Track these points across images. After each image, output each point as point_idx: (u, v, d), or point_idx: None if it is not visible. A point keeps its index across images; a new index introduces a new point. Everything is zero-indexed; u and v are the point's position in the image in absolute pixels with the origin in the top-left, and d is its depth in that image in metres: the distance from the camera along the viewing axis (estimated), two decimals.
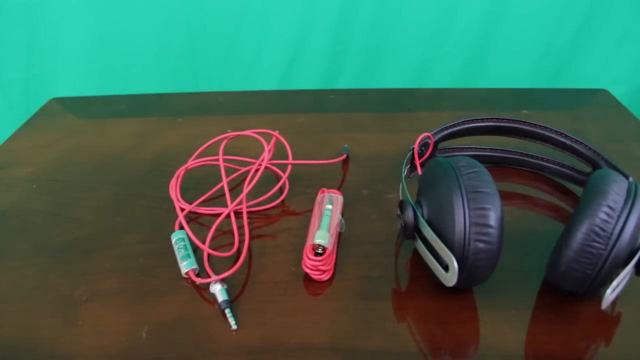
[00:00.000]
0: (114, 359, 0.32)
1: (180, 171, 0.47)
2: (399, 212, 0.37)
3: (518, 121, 0.47)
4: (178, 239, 0.40)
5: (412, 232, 0.35)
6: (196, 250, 0.40)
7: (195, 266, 0.38)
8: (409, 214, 0.35)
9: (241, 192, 0.43)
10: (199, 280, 0.37)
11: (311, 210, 0.44)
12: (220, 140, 0.49)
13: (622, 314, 0.34)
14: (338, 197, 0.44)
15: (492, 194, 0.32)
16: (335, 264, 0.39)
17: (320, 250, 0.38)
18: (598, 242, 0.31)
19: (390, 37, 1.07)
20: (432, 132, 0.46)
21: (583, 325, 0.33)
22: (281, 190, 0.47)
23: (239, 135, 0.50)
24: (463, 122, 0.48)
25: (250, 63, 1.11)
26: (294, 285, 0.37)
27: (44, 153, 0.55)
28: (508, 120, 0.48)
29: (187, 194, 0.46)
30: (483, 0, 1.02)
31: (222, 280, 0.36)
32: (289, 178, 0.48)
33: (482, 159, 0.39)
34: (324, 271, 0.37)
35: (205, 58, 1.10)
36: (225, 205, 0.43)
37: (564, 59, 1.05)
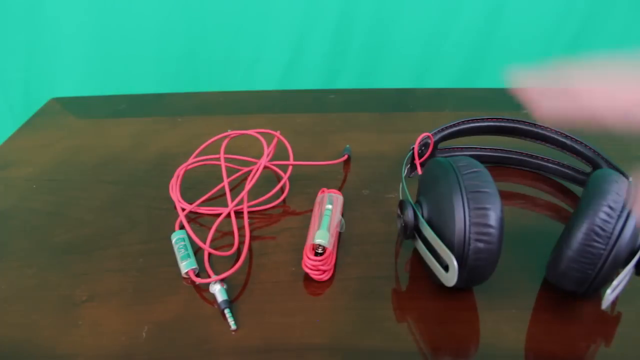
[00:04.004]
0: (114, 359, 0.32)
1: (181, 170, 0.47)
2: (399, 212, 0.37)
3: (518, 121, 0.47)
4: (178, 239, 0.40)
5: (412, 232, 0.35)
6: (197, 251, 0.40)
7: (195, 266, 0.38)
8: (409, 214, 0.35)
9: (241, 192, 0.43)
10: (198, 280, 0.37)
11: (311, 210, 0.44)
12: (221, 140, 0.49)
13: (622, 314, 0.34)
14: (338, 197, 0.44)
15: (492, 194, 0.32)
16: (335, 264, 0.39)
17: (320, 250, 0.38)
18: (598, 242, 0.31)
19: (390, 37, 1.07)
20: (432, 132, 0.46)
21: (583, 325, 0.33)
22: (282, 190, 0.47)
23: (240, 135, 0.50)
24: (463, 122, 0.48)
25: (250, 63, 1.11)
26: (294, 285, 0.37)
27: (44, 153, 0.55)
28: (508, 120, 0.48)
29: (187, 193, 0.46)
30: (483, 0, 1.02)
31: (222, 280, 0.36)
32: (289, 178, 0.48)
33: (482, 159, 0.39)
34: (324, 271, 0.37)
35: (205, 58, 1.10)
36: (226, 205, 0.43)
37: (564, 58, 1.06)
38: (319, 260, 0.37)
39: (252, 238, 0.42)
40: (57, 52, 1.09)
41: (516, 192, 0.47)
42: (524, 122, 0.47)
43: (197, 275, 0.38)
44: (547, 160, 0.48)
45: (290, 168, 0.48)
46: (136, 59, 1.10)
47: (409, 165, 0.44)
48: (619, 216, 0.31)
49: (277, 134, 0.49)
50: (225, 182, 0.45)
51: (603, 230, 0.31)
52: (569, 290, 0.34)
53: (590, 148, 0.44)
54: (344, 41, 1.08)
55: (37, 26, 1.06)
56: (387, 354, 0.32)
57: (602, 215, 0.31)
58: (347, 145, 0.53)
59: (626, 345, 0.32)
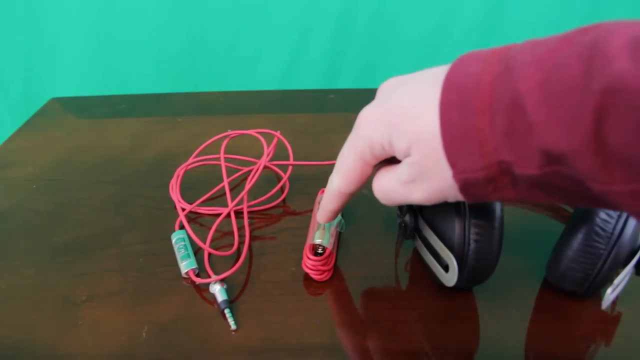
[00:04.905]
0: (114, 359, 0.32)
1: (181, 170, 0.47)
2: (398, 212, 0.37)
3: None
4: (178, 239, 0.40)
5: (412, 232, 0.35)
6: (197, 251, 0.40)
7: (195, 266, 0.38)
8: (409, 214, 0.35)
9: (241, 192, 0.43)
10: (198, 280, 0.37)
11: (311, 210, 0.44)
12: (221, 140, 0.49)
13: (622, 314, 0.34)
14: None
15: None
16: (335, 264, 0.39)
17: (320, 250, 0.38)
18: (598, 242, 0.31)
19: (390, 37, 1.07)
20: None
21: (583, 325, 0.33)
22: (282, 190, 0.47)
23: (240, 135, 0.50)
24: None
25: (250, 63, 1.11)
26: (294, 285, 0.37)
27: (44, 153, 0.55)
28: None
29: (187, 193, 0.46)
30: (483, 0, 1.02)
31: (222, 280, 0.36)
32: (289, 178, 0.48)
33: None
34: (324, 271, 0.37)
35: (205, 58, 1.11)
36: (226, 205, 0.43)
37: None
38: (319, 260, 0.37)
39: (252, 238, 0.42)
40: (57, 52, 1.09)
41: None
42: None
43: (197, 275, 0.38)
44: None
45: (290, 168, 0.48)
46: (136, 59, 1.10)
47: None
48: (619, 216, 0.31)
49: (277, 134, 0.49)
50: (225, 182, 0.45)
51: (603, 230, 0.31)
52: (569, 290, 0.34)
53: None
54: (344, 41, 1.08)
55: (37, 26, 1.06)
56: (387, 354, 0.32)
57: (602, 215, 0.31)
58: None
59: (626, 345, 0.32)
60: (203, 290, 0.37)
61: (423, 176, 0.26)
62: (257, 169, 0.45)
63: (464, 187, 0.25)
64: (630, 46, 0.19)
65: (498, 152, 0.23)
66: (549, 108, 0.21)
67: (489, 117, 0.23)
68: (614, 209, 0.24)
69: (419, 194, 0.27)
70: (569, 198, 0.24)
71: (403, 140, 0.26)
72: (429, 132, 0.24)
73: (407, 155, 0.26)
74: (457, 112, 0.24)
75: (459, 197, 0.26)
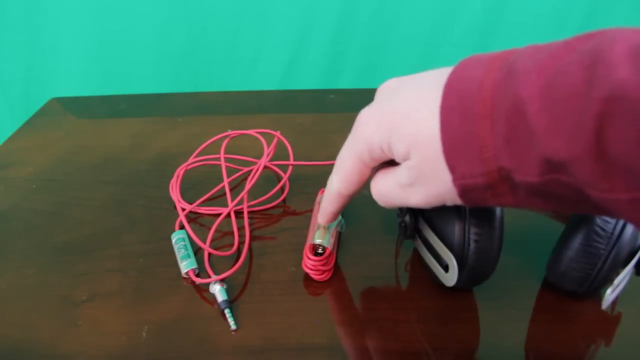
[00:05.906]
0: (114, 359, 0.32)
1: (181, 170, 0.47)
2: (398, 212, 0.37)
3: None
4: (178, 239, 0.40)
5: (412, 232, 0.35)
6: (197, 251, 0.40)
7: (195, 266, 0.38)
8: (409, 214, 0.35)
9: (241, 192, 0.43)
10: (198, 280, 0.37)
11: (311, 210, 0.44)
12: (221, 140, 0.49)
13: (622, 314, 0.34)
14: None
15: None
16: (335, 264, 0.39)
17: (320, 250, 0.38)
18: (598, 242, 0.31)
19: (390, 37, 1.07)
20: None
21: (583, 325, 0.33)
22: (282, 190, 0.47)
23: (240, 135, 0.50)
24: None
25: (250, 63, 1.11)
26: (294, 285, 0.37)
27: (44, 153, 0.55)
28: None
29: (187, 193, 0.46)
30: (483, 0, 1.02)
31: (222, 280, 0.36)
32: (289, 178, 0.48)
33: None
34: (324, 271, 0.37)
35: (205, 58, 1.11)
36: (226, 205, 0.43)
37: None
38: (319, 260, 0.37)
39: (252, 238, 0.42)
40: (57, 52, 1.09)
41: None
42: None
43: (197, 275, 0.38)
44: None
45: (290, 168, 0.48)
46: (136, 58, 1.10)
47: None
48: None
49: (277, 134, 0.49)
50: (225, 182, 0.45)
51: (603, 230, 0.31)
52: (569, 290, 0.34)
53: None
54: (344, 41, 1.08)
55: (37, 26, 1.06)
56: (387, 354, 0.32)
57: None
58: None
59: (626, 345, 0.32)
60: (203, 290, 0.37)
61: (422, 180, 0.26)
62: (257, 169, 0.45)
63: (463, 192, 0.25)
64: (632, 54, 0.19)
65: (498, 159, 0.23)
66: (550, 115, 0.21)
67: (489, 123, 0.23)
68: (613, 217, 0.24)
69: (417, 198, 0.27)
70: (568, 206, 0.24)
71: (402, 143, 0.26)
72: (428, 137, 0.24)
73: (406, 159, 0.26)
74: (457, 117, 0.23)
75: (458, 202, 0.26)
